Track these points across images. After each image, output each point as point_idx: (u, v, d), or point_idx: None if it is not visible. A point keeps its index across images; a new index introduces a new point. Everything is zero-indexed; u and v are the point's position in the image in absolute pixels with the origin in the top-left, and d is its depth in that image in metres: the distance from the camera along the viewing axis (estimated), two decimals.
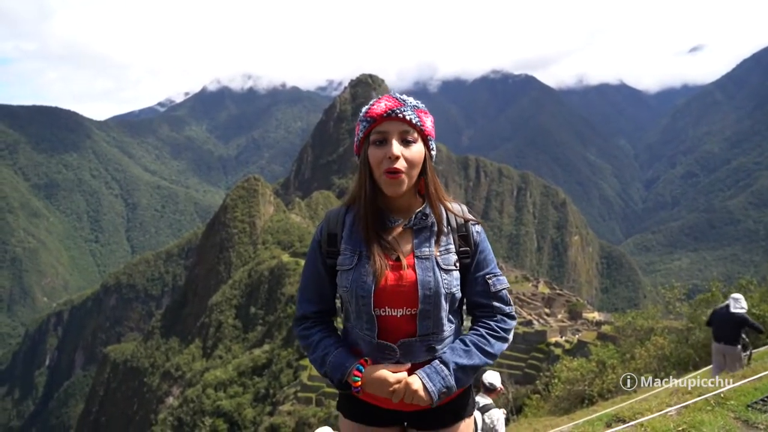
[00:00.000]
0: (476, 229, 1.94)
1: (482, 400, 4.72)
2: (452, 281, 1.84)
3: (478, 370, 1.85)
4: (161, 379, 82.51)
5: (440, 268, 1.82)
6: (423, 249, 1.84)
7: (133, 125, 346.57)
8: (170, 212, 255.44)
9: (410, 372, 1.82)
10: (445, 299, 1.82)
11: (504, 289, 1.94)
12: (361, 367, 1.79)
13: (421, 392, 1.73)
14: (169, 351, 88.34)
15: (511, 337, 1.94)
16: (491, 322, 1.90)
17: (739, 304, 7.17)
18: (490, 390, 4.87)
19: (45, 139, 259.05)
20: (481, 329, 1.89)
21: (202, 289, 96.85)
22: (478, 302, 1.93)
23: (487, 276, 1.92)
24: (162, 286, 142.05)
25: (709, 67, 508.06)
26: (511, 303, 1.97)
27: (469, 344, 1.85)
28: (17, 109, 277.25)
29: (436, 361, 1.82)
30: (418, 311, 1.81)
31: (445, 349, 1.86)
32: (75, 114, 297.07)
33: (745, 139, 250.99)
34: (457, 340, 1.88)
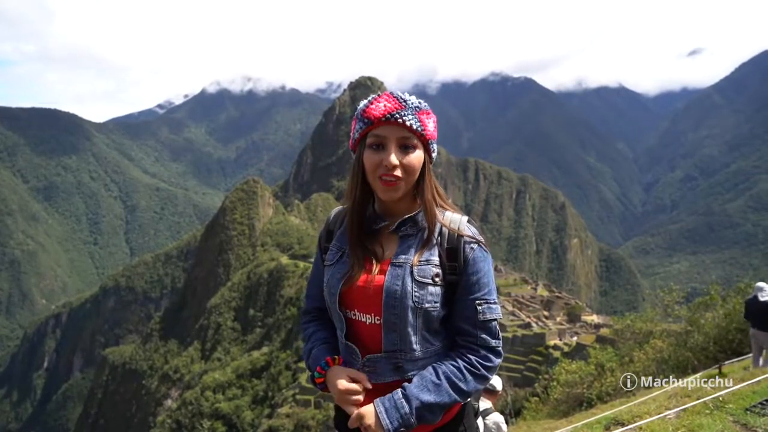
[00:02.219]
0: (470, 246, 1.72)
1: (482, 404, 4.47)
2: (425, 296, 1.66)
3: (447, 408, 1.66)
4: (160, 381, 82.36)
5: (413, 279, 1.66)
6: (401, 256, 1.71)
7: (132, 127, 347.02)
8: (169, 214, 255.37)
9: (372, 392, 1.68)
10: (414, 313, 1.65)
11: (494, 319, 1.72)
12: (325, 365, 1.71)
13: (374, 427, 1.58)
14: (168, 353, 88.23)
15: (492, 376, 1.73)
16: (473, 357, 1.69)
17: (764, 293, 7.63)
18: (491, 392, 4.71)
19: (44, 141, 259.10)
20: (459, 361, 1.69)
21: (201, 292, 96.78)
22: (462, 328, 1.72)
23: (477, 301, 1.70)
24: (161, 289, 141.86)
25: (709, 70, 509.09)
26: (500, 337, 1.75)
27: (441, 377, 1.65)
28: (16, 111, 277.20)
29: (399, 392, 1.63)
30: (383, 321, 1.67)
31: (413, 372, 1.69)
32: (74, 116, 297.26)
33: (745, 143, 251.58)
34: (429, 368, 1.68)
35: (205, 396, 62.68)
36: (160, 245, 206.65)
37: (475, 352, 1.70)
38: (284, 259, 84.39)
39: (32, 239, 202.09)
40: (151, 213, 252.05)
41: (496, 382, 4.76)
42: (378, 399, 1.63)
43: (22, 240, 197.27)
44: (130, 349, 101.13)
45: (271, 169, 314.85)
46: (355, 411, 1.61)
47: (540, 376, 26.12)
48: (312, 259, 1.93)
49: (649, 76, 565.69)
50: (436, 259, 1.70)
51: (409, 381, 1.68)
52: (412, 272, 1.67)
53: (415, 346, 1.68)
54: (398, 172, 1.64)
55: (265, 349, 67.37)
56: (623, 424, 5.06)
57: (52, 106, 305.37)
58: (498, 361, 1.72)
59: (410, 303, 1.64)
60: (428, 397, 1.62)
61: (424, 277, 1.67)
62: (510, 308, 45.62)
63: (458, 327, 1.73)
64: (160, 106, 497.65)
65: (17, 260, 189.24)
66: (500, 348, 1.75)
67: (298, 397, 47.43)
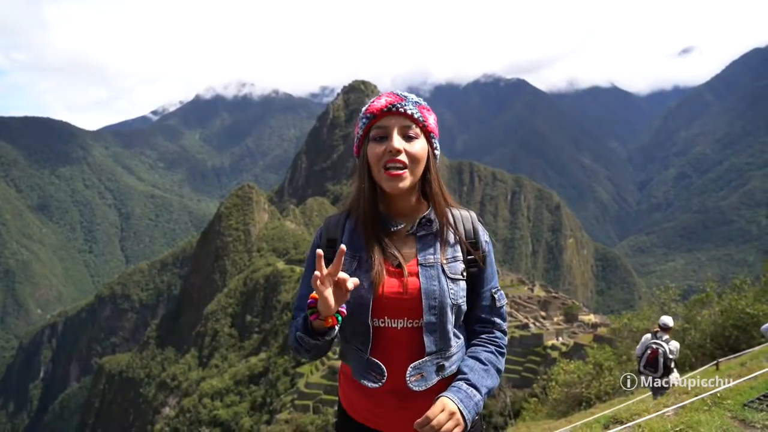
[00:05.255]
0: (485, 238, 1.83)
1: (664, 334, 6.73)
2: (459, 292, 1.72)
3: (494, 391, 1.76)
4: (157, 389, 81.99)
5: (447, 277, 1.70)
6: (427, 256, 1.72)
7: (126, 135, 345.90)
8: (164, 221, 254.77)
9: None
10: (451, 311, 1.69)
11: (505, 304, 1.88)
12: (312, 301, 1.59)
13: (460, 418, 1.55)
14: (165, 361, 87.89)
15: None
16: (498, 341, 1.82)
17: None
18: (667, 329, 6.80)
19: (37, 150, 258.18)
20: (490, 346, 1.80)
21: (198, 298, 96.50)
22: (481, 317, 1.83)
23: (494, 290, 1.83)
24: (157, 296, 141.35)
25: (700, 68, 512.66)
26: (506, 318, 1.91)
27: (487, 363, 1.74)
28: (9, 121, 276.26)
29: (462, 383, 1.65)
30: (423, 324, 1.67)
31: (450, 369, 1.73)
32: (67, 125, 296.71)
33: (737, 140, 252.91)
34: (471, 359, 1.75)
35: (203, 403, 62.39)
36: (155, 253, 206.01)
37: (496, 336, 1.83)
38: (280, 265, 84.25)
39: (26, 248, 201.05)
40: (146, 220, 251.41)
41: (669, 320, 6.91)
42: (447, 393, 1.61)
43: (17, 250, 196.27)
44: (126, 358, 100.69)
45: (266, 174, 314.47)
46: (427, 413, 1.53)
47: (538, 377, 26.15)
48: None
49: (641, 75, 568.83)
50: (460, 254, 1.76)
51: (448, 379, 1.71)
52: (444, 270, 1.70)
53: (452, 343, 1.72)
54: (403, 158, 1.64)
55: (262, 355, 67.14)
56: (622, 423, 5.07)
57: (45, 115, 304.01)
58: (506, 338, 1.88)
59: (449, 301, 1.68)
60: (489, 383, 1.69)
61: (455, 274, 1.72)
62: (507, 309, 45.57)
63: (478, 316, 1.83)
64: (154, 112, 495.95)
65: (12, 270, 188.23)
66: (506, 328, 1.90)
67: (296, 402, 47.29)
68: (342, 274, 1.52)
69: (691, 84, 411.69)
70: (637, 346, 7.07)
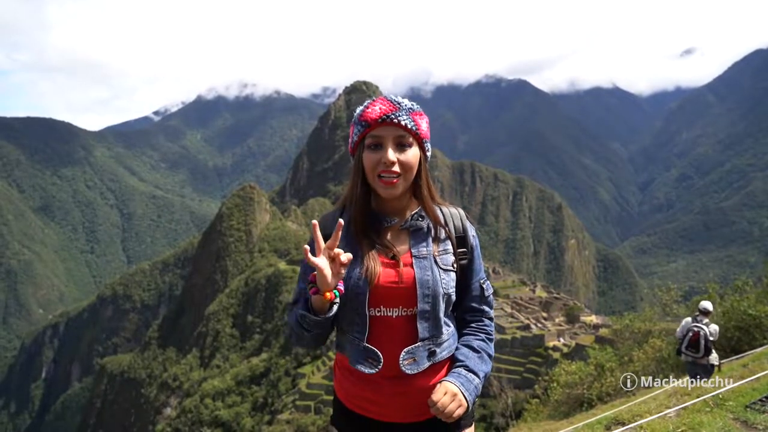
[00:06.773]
0: (472, 233, 1.95)
1: (704, 318, 7.16)
2: (450, 282, 1.83)
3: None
4: (158, 389, 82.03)
5: (439, 268, 1.82)
6: (420, 248, 1.83)
7: (128, 135, 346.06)
8: (166, 222, 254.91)
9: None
10: (443, 299, 1.81)
11: (492, 293, 2.01)
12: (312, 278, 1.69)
13: (462, 399, 1.69)
14: (166, 361, 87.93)
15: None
16: (487, 328, 1.95)
17: None
18: (705, 313, 7.19)
19: (39, 150, 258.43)
20: (480, 334, 1.93)
21: (199, 299, 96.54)
22: (471, 307, 1.96)
23: (482, 281, 1.95)
24: (158, 296, 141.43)
25: (702, 70, 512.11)
26: (494, 306, 2.03)
27: (480, 351, 1.87)
28: (11, 121, 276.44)
29: (461, 369, 1.80)
30: (417, 312, 1.78)
31: (442, 355, 1.85)
32: (69, 125, 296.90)
33: (738, 142, 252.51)
34: (465, 348, 1.88)
35: (204, 403, 62.44)
36: (157, 253, 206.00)
37: (485, 324, 1.97)
38: (282, 265, 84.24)
39: (28, 249, 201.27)
40: (148, 221, 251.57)
41: (708, 305, 7.32)
42: (449, 378, 1.76)
43: (19, 250, 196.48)
44: (128, 358, 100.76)
45: (268, 175, 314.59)
46: (430, 397, 1.69)
47: (540, 378, 26.09)
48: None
49: (643, 76, 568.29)
50: (450, 248, 1.88)
51: (440, 364, 1.85)
52: (436, 262, 1.82)
53: (443, 330, 1.84)
54: (396, 168, 1.75)
55: (264, 356, 67.18)
56: (624, 424, 5.07)
57: (47, 116, 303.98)
58: (494, 324, 2.02)
59: (441, 290, 1.80)
60: (484, 368, 1.83)
61: (446, 265, 1.84)
62: (509, 310, 45.58)
63: (468, 306, 1.96)
64: (156, 113, 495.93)
65: (14, 270, 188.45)
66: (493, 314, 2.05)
67: (297, 403, 47.32)
68: (337, 249, 1.62)
69: (692, 85, 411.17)
70: (678, 329, 7.56)
